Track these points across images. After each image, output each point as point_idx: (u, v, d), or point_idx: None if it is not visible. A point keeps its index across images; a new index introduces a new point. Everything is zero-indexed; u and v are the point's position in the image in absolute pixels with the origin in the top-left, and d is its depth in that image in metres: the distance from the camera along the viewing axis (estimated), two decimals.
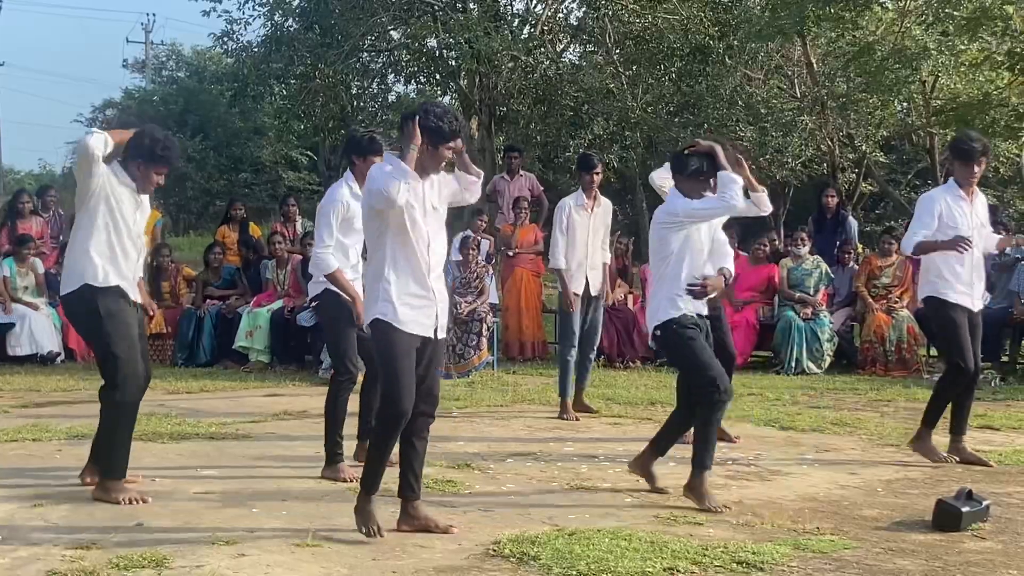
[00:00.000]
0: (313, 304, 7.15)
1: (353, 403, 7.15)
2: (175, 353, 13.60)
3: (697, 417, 6.46)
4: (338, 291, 6.86)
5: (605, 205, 9.39)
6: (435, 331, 5.58)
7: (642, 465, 6.83)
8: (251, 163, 36.39)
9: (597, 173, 9.31)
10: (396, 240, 5.49)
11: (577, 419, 9.32)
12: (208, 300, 13.82)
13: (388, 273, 5.48)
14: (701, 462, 6.37)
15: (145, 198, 6.51)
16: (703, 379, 6.34)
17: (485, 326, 12.47)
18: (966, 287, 7.49)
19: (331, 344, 7.17)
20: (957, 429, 7.72)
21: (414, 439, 5.67)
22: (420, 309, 5.50)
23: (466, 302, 12.52)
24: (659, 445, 6.79)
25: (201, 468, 7.29)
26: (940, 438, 7.89)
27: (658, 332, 6.50)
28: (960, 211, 7.48)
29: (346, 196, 6.87)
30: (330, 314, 6.99)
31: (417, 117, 5.44)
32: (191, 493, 6.54)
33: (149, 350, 12.76)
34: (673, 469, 7.34)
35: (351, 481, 6.73)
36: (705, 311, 6.61)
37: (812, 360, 12.82)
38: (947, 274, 7.47)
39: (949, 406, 7.68)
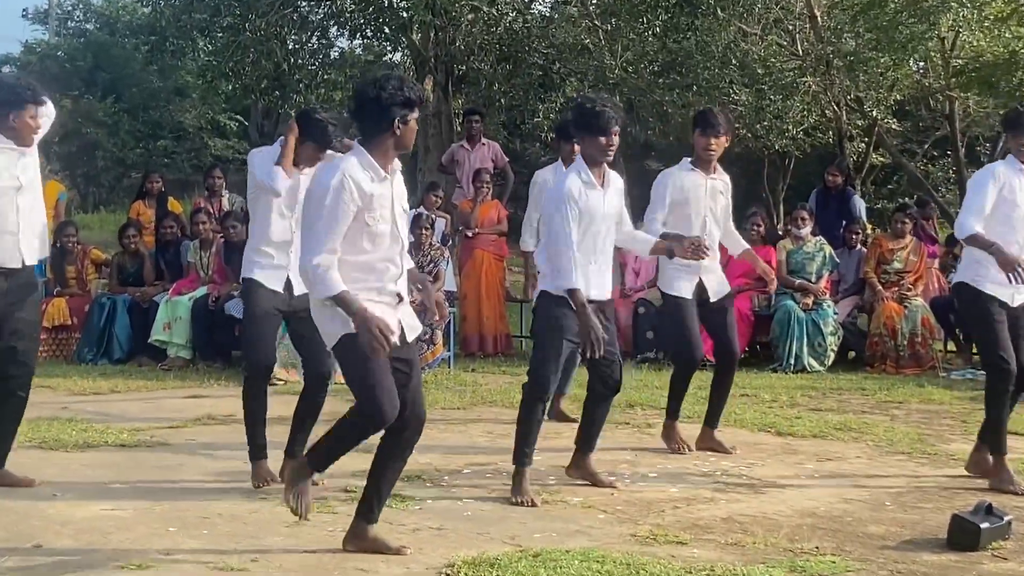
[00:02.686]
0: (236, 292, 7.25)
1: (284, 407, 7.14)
2: (81, 348, 13.54)
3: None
4: (260, 279, 6.99)
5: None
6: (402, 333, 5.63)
7: (580, 468, 7.35)
8: (171, 129, 36.14)
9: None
10: (365, 241, 5.51)
11: (568, 419, 9.34)
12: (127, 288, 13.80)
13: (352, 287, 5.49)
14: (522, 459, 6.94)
15: (29, 150, 6.70)
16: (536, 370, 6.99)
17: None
18: (1003, 278, 7.45)
19: (244, 331, 7.32)
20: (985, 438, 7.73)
21: (394, 461, 5.73)
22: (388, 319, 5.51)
23: (418, 290, 12.51)
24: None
25: (110, 482, 7.26)
26: (963, 446, 7.96)
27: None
28: (1018, 183, 7.43)
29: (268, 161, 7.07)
30: (247, 299, 7.13)
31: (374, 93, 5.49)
32: (98, 510, 6.51)
33: (48, 341, 12.76)
34: (654, 481, 7.38)
35: (262, 485, 6.93)
36: (600, 295, 6.98)
37: (814, 356, 12.88)
38: (987, 260, 7.38)
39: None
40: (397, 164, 5.67)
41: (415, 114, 5.56)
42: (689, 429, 8.67)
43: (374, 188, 5.46)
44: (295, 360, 11.07)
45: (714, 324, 8.36)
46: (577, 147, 7.22)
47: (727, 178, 8.32)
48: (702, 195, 8.11)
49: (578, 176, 6.92)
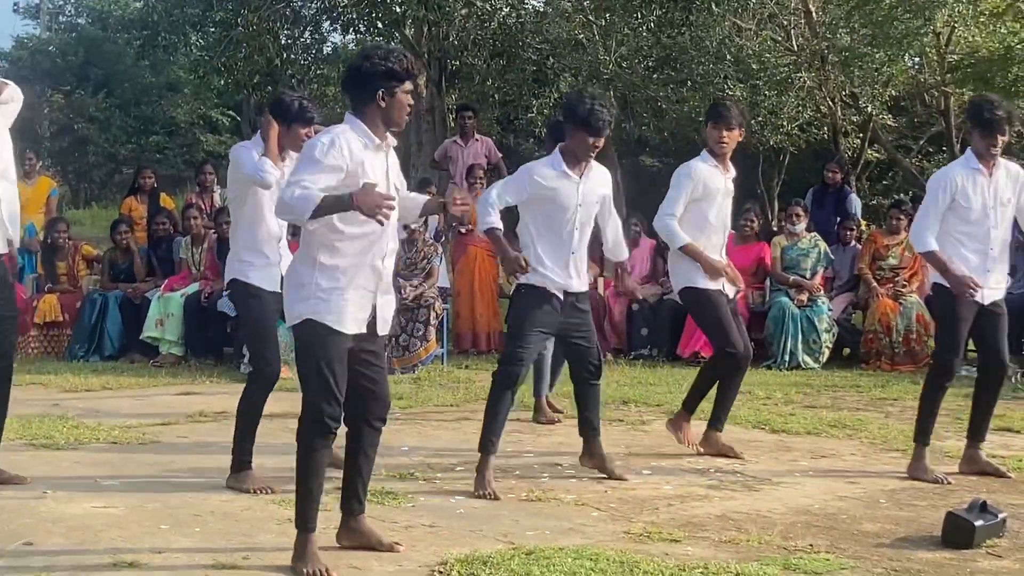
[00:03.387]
0: (226, 292, 7.18)
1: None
2: (72, 344, 13.52)
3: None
4: (257, 283, 6.97)
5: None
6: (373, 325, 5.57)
7: (592, 456, 7.47)
8: (163, 124, 36.12)
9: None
10: (339, 227, 5.45)
11: (557, 420, 9.35)
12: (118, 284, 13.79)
13: (335, 262, 5.44)
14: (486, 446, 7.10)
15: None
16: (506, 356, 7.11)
17: (433, 314, 12.47)
18: (980, 274, 7.48)
19: (247, 340, 7.22)
20: (974, 434, 7.79)
21: (361, 452, 5.68)
22: (359, 306, 5.47)
23: (411, 286, 12.50)
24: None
25: (101, 479, 7.26)
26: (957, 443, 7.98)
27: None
28: (975, 188, 7.49)
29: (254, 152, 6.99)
30: (247, 307, 7.07)
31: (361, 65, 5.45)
32: (89, 508, 6.50)
33: (39, 338, 12.74)
34: (648, 478, 7.39)
35: (257, 493, 6.84)
36: (580, 286, 7.14)
37: (808, 353, 12.90)
38: (955, 260, 7.46)
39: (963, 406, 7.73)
40: (392, 141, 5.60)
41: (404, 86, 5.44)
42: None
43: (366, 155, 5.40)
44: (288, 357, 11.08)
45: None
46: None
47: (734, 173, 8.29)
48: (719, 195, 8.08)
49: (551, 168, 7.13)
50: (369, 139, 5.43)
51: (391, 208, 5.20)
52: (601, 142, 7.01)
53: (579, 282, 7.16)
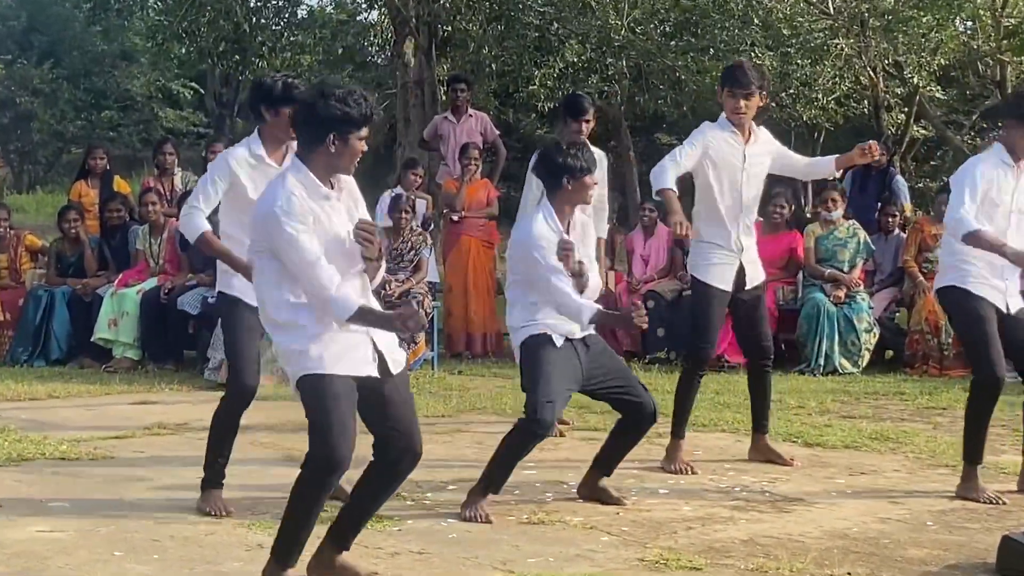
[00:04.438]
0: (211, 299, 7.20)
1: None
2: (14, 347, 13.52)
3: (508, 440, 7.04)
4: (227, 291, 6.99)
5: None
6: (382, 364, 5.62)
7: (590, 488, 7.39)
8: (117, 98, 36.12)
9: (587, 121, 9.27)
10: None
11: (561, 434, 9.36)
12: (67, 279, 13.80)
13: (300, 309, 5.47)
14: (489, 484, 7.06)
15: None
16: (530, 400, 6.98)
17: (422, 312, 12.48)
18: (998, 279, 7.49)
19: (228, 355, 7.25)
20: None
21: (380, 493, 5.71)
22: (351, 346, 5.51)
23: (397, 281, 12.52)
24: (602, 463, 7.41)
25: (48, 500, 7.26)
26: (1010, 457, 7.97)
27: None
28: (1005, 185, 7.46)
29: (241, 156, 6.92)
30: (228, 319, 7.09)
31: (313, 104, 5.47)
32: (34, 532, 6.51)
33: None
34: (665, 498, 7.39)
35: (220, 515, 6.84)
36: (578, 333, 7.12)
37: (846, 356, 12.90)
38: (974, 260, 7.45)
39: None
40: (348, 182, 5.63)
41: (360, 133, 5.48)
42: (704, 440, 8.68)
43: (320, 205, 5.45)
44: (271, 367, 11.09)
45: (745, 317, 8.35)
46: (585, 126, 7.51)
47: (768, 136, 8.34)
48: (737, 160, 8.09)
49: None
50: (315, 190, 5.46)
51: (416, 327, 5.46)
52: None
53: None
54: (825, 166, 8.52)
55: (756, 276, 8.28)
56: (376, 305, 5.62)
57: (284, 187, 5.40)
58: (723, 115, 8.15)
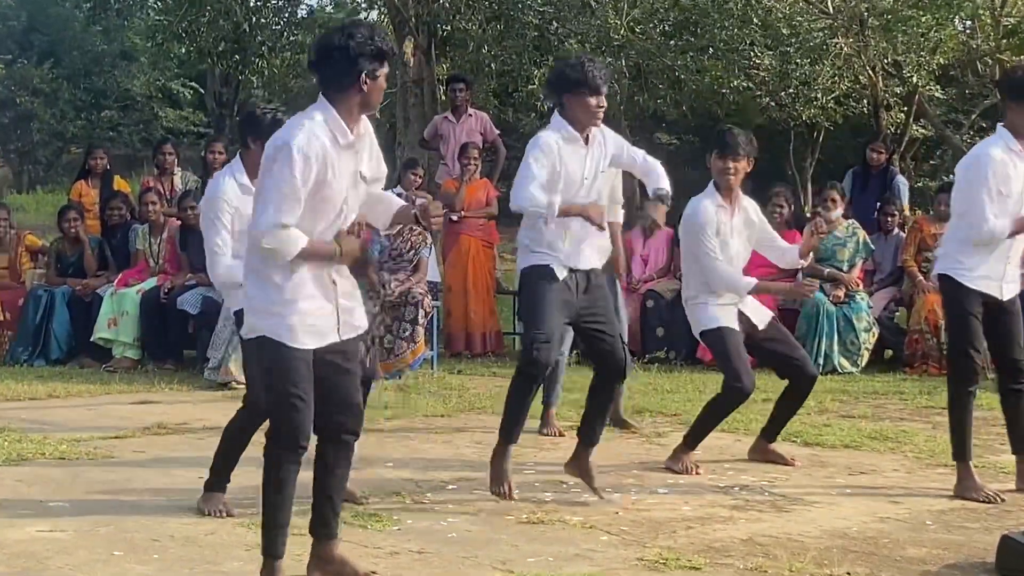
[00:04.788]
0: (234, 313, 7.15)
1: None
2: (14, 347, 13.52)
3: (512, 387, 7.36)
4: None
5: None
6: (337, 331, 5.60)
7: (577, 464, 7.54)
8: (117, 98, 36.16)
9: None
10: (307, 213, 5.45)
11: (561, 433, 9.36)
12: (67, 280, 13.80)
13: (287, 272, 5.46)
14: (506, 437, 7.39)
15: None
16: (525, 342, 7.34)
17: (422, 312, 12.41)
18: (991, 269, 7.49)
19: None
20: (1018, 446, 7.80)
21: (333, 465, 5.69)
22: (320, 317, 5.52)
23: (397, 280, 12.48)
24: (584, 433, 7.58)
25: (47, 500, 7.26)
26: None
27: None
28: (1015, 171, 7.43)
29: (231, 192, 6.93)
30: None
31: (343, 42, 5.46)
32: (34, 532, 6.51)
33: None
34: (664, 497, 7.40)
35: (213, 515, 6.85)
36: (585, 264, 7.32)
37: (845, 355, 12.90)
38: (969, 249, 7.47)
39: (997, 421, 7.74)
40: (366, 125, 5.61)
41: (385, 69, 5.50)
42: (703, 440, 8.67)
43: (338, 153, 5.42)
44: (236, 355, 11.08)
45: (776, 352, 8.36)
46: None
47: (754, 207, 8.41)
48: (727, 234, 8.17)
49: (557, 132, 7.31)
50: (343, 134, 5.44)
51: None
52: (604, 102, 7.31)
53: (591, 260, 7.47)
54: (791, 257, 8.53)
55: (763, 315, 8.34)
56: (343, 273, 5.63)
57: (309, 127, 5.37)
58: (710, 185, 8.24)
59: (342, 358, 5.60)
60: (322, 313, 5.50)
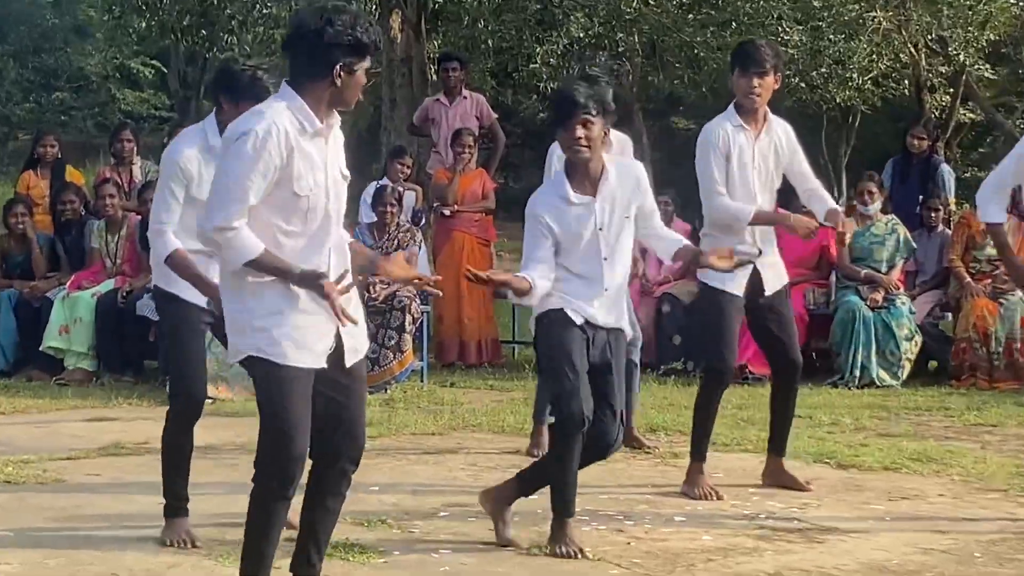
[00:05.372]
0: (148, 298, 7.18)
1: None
2: None
3: (552, 453, 7.10)
4: (165, 287, 6.96)
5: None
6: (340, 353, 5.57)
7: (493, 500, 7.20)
8: (70, 78, 36.15)
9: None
10: (280, 225, 5.44)
11: None
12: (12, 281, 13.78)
13: (257, 283, 5.43)
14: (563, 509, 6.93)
15: None
16: (556, 399, 7.06)
17: (410, 318, 12.47)
18: None
19: (169, 360, 7.25)
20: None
21: (326, 497, 5.67)
22: (312, 333, 5.48)
23: (382, 283, 12.51)
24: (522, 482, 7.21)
25: None
26: None
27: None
28: None
29: (190, 155, 6.90)
30: (168, 317, 7.09)
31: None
32: None
33: None
34: (681, 526, 7.39)
35: (176, 546, 6.82)
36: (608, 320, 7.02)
37: (884, 367, 12.90)
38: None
39: None
40: (336, 118, 5.57)
41: (365, 64, 5.45)
42: (725, 460, 8.67)
43: (305, 143, 5.37)
44: (226, 372, 11.07)
45: (767, 326, 8.31)
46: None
47: (784, 129, 8.27)
48: (748, 157, 8.09)
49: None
50: (309, 122, 5.39)
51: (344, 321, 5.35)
52: (580, 132, 6.91)
53: (608, 316, 7.11)
54: (819, 206, 8.42)
55: (776, 281, 8.24)
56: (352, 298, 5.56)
57: (269, 115, 5.33)
58: (731, 106, 8.15)
59: (345, 376, 5.58)
60: (318, 329, 5.44)
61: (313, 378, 5.43)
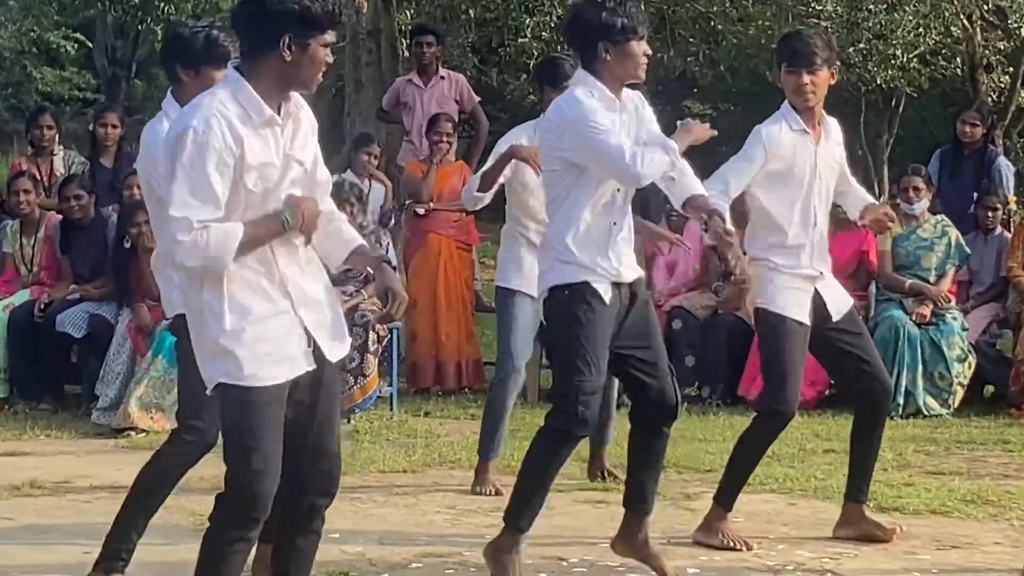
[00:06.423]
0: (166, 324, 7.14)
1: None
2: None
3: (533, 447, 7.24)
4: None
5: None
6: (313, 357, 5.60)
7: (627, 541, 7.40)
8: None
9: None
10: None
11: (499, 492, 9.37)
12: None
13: (221, 294, 5.44)
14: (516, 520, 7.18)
15: None
16: (565, 388, 7.14)
17: (373, 336, 12.45)
18: None
19: (183, 388, 7.20)
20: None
21: (298, 537, 5.70)
22: (282, 339, 5.48)
23: (344, 295, 12.50)
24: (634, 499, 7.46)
25: None
26: None
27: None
28: None
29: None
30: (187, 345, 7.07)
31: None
32: None
33: None
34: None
35: None
36: (631, 276, 7.26)
37: (932, 393, 12.91)
38: None
39: None
40: (299, 104, 5.59)
41: (326, 37, 5.47)
42: (747, 503, 8.69)
43: (251, 135, 5.39)
44: (161, 400, 11.07)
45: (844, 350, 8.27)
46: None
47: (836, 127, 8.30)
48: (808, 167, 8.07)
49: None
50: (256, 110, 5.40)
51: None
52: None
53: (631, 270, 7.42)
54: (854, 203, 8.49)
55: (841, 302, 8.24)
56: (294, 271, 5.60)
57: (208, 105, 5.35)
58: (785, 105, 8.11)
59: (314, 391, 5.60)
60: (281, 334, 5.47)
61: (283, 392, 5.45)
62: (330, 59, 5.55)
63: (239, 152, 5.33)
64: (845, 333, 8.22)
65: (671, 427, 7.45)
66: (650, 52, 7.20)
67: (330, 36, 5.50)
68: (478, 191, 9.27)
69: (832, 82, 8.07)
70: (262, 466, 5.37)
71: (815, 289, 8.06)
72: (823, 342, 8.20)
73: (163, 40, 7.44)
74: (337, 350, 5.64)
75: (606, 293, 7.11)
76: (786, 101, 8.07)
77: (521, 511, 7.14)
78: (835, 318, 8.15)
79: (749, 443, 8.26)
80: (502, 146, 9.49)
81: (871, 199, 8.41)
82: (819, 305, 8.09)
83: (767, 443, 8.31)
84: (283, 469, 5.51)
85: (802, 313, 8.00)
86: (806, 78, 7.93)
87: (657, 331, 7.52)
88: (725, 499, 8.23)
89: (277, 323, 5.44)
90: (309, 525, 5.70)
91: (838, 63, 8.29)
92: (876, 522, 8.38)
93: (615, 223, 7.21)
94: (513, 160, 9.26)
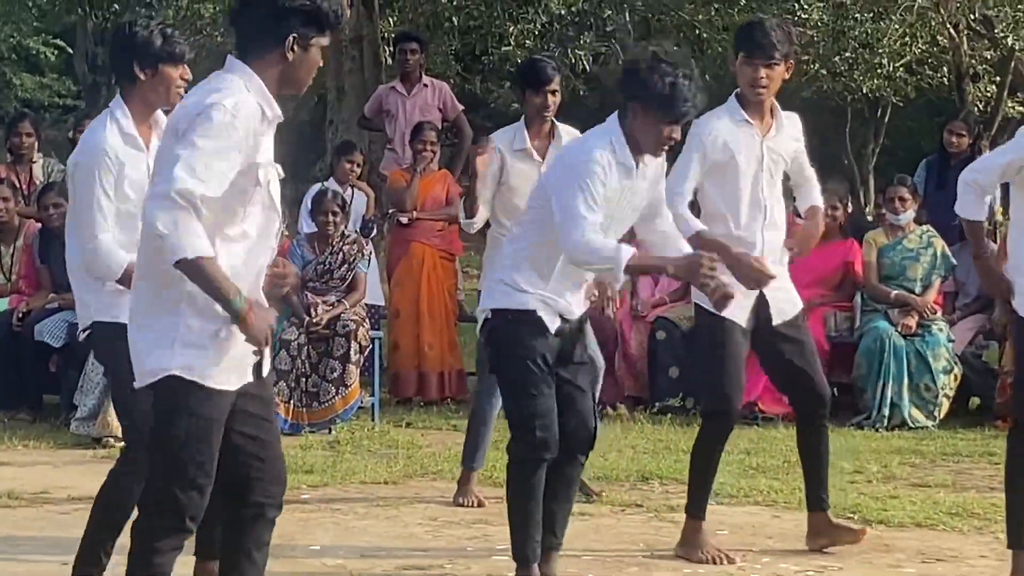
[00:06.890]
0: (84, 334, 7.05)
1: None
2: None
3: (508, 481, 7.27)
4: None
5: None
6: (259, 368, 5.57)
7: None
8: None
9: (552, 92, 9.30)
10: (221, 227, 5.41)
11: (481, 503, 9.37)
12: None
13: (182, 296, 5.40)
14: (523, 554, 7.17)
15: None
16: (519, 414, 7.13)
17: (356, 345, 12.44)
18: None
19: (120, 402, 7.12)
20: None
21: (247, 550, 5.63)
22: (243, 349, 5.45)
23: (326, 305, 12.48)
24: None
25: None
26: None
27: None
28: None
29: (113, 143, 6.84)
30: (115, 354, 6.95)
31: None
32: None
33: None
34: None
35: None
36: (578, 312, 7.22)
37: (918, 405, 12.91)
38: None
39: None
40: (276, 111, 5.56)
41: (322, 40, 5.48)
42: (730, 515, 8.68)
43: (265, 130, 5.40)
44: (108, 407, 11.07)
45: (784, 356, 8.25)
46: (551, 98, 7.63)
47: (793, 122, 8.27)
48: (754, 159, 8.04)
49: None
50: (268, 105, 5.40)
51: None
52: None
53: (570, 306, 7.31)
54: (803, 201, 8.46)
55: (787, 308, 8.17)
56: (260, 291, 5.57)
57: (236, 88, 5.33)
58: (732, 98, 8.10)
59: (260, 405, 5.57)
60: (243, 345, 5.40)
61: (230, 401, 5.43)
62: (322, 62, 5.58)
63: (253, 144, 5.32)
64: (784, 339, 8.18)
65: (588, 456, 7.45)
66: (678, 137, 7.08)
67: (327, 39, 5.52)
68: (467, 219, 9.21)
69: (787, 76, 8.06)
70: (202, 470, 5.34)
71: (760, 291, 7.98)
72: (761, 345, 8.21)
73: (115, 39, 7.30)
74: (268, 366, 5.62)
75: (552, 324, 7.09)
76: (734, 94, 8.08)
77: (523, 544, 7.13)
78: (775, 322, 8.09)
79: (700, 449, 8.26)
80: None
81: (818, 202, 8.40)
82: (761, 306, 8.04)
83: (717, 446, 8.25)
84: (237, 484, 5.51)
85: (741, 315, 7.95)
86: (763, 72, 7.90)
87: (595, 353, 7.56)
88: (694, 508, 8.20)
89: (239, 335, 5.40)
90: (262, 535, 5.63)
91: (795, 56, 8.27)
92: (844, 526, 8.40)
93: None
94: (493, 168, 9.18)
